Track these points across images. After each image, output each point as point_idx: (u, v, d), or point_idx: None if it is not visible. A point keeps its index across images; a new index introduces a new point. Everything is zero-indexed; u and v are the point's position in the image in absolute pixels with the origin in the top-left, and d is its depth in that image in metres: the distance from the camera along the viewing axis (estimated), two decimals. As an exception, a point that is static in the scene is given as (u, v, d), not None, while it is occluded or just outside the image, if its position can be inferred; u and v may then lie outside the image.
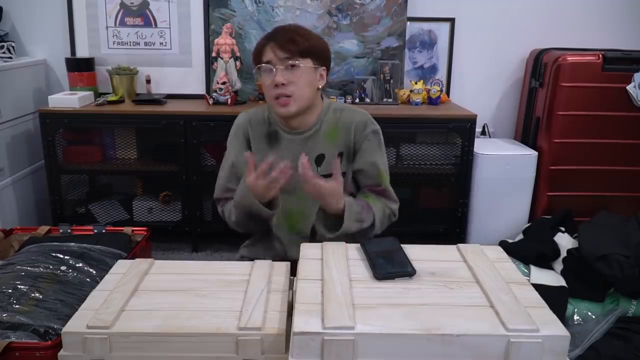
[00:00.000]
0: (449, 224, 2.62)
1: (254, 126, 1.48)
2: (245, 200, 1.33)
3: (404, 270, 0.99)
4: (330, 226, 1.33)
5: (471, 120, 2.47)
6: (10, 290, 1.44)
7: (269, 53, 1.37)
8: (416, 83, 2.68)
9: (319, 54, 1.40)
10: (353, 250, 1.10)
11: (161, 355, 0.91)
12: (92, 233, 1.89)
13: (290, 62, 1.35)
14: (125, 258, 1.63)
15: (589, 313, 1.95)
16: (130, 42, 2.71)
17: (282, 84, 1.35)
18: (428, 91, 2.69)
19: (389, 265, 1.01)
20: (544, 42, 2.77)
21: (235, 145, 1.49)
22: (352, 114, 1.48)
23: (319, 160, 1.45)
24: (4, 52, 2.60)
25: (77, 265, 1.60)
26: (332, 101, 1.51)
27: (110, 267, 1.14)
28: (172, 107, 2.55)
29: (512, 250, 2.16)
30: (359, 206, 1.36)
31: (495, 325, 0.84)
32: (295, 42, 1.35)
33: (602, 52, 2.47)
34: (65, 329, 0.91)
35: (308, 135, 1.46)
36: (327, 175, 1.36)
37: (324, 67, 1.43)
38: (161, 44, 2.71)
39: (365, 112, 1.50)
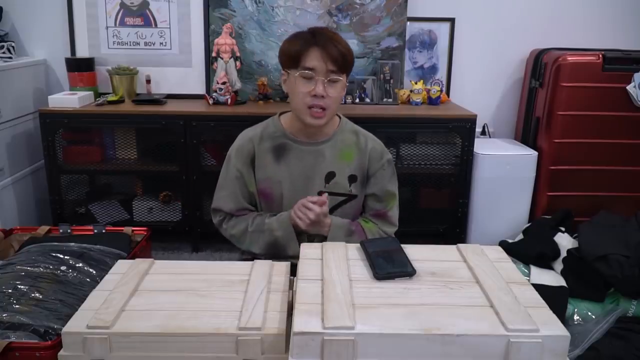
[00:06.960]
0: (449, 224, 2.62)
1: (256, 143, 1.45)
2: (287, 234, 1.39)
3: (404, 270, 1.00)
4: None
5: (471, 120, 2.47)
6: (10, 290, 1.44)
7: (315, 60, 1.31)
8: (416, 83, 2.67)
9: (351, 68, 1.39)
10: (353, 250, 1.10)
11: (161, 355, 0.91)
12: (92, 233, 1.89)
13: (334, 76, 1.33)
14: (125, 258, 1.63)
15: (589, 313, 1.95)
16: (130, 42, 2.71)
17: (322, 96, 1.32)
18: (428, 91, 2.69)
19: (389, 265, 1.01)
20: (544, 42, 2.77)
21: (236, 164, 1.45)
22: (368, 139, 1.48)
23: (329, 177, 1.44)
24: (4, 52, 2.60)
25: (77, 265, 1.60)
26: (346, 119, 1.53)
27: (110, 267, 1.14)
28: (172, 107, 2.55)
29: (512, 250, 2.16)
30: (347, 230, 1.41)
31: (495, 325, 0.84)
32: (344, 58, 1.32)
33: (602, 52, 2.47)
34: (65, 329, 0.91)
35: (320, 148, 1.44)
36: (333, 194, 1.42)
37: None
38: (161, 44, 2.71)
39: (378, 140, 1.51)
